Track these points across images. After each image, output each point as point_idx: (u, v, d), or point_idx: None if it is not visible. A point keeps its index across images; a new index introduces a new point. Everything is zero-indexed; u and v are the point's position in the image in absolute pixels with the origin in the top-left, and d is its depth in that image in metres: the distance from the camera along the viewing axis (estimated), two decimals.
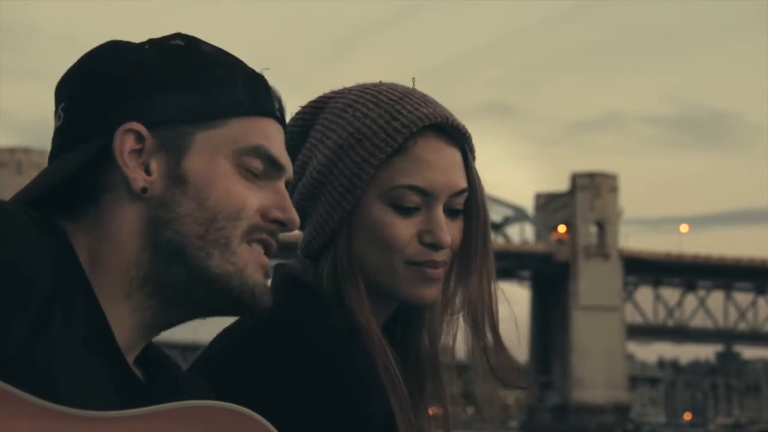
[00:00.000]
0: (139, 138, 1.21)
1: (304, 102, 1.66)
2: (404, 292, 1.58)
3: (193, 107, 1.22)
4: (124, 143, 1.21)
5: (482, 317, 1.61)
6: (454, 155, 1.59)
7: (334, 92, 1.64)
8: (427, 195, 1.56)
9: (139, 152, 1.21)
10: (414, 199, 1.56)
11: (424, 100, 1.60)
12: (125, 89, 1.22)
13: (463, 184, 1.59)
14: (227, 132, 1.23)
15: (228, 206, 1.22)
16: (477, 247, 1.61)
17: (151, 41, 1.27)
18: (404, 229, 1.56)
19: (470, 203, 1.61)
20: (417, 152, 1.56)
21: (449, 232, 1.58)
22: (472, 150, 1.62)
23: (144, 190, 1.20)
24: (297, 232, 1.65)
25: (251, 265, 1.24)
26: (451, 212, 1.59)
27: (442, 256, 1.58)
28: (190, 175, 1.21)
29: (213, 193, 1.21)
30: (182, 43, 1.26)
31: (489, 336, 1.62)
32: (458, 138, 1.60)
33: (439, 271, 1.58)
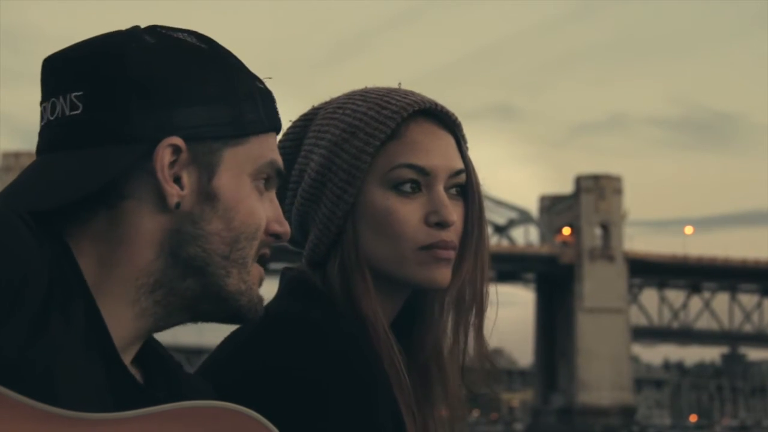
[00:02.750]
0: (175, 151, 1.20)
1: (305, 104, 1.69)
2: (416, 277, 1.58)
3: (225, 124, 1.22)
4: (165, 157, 1.19)
5: (470, 303, 1.62)
6: (448, 139, 1.61)
7: (322, 103, 1.68)
8: (426, 174, 1.58)
9: (171, 164, 1.20)
10: (414, 178, 1.58)
11: (411, 92, 1.63)
12: (164, 96, 1.19)
13: (460, 165, 1.61)
14: (249, 150, 1.24)
15: (250, 226, 1.23)
16: (473, 231, 1.62)
17: (173, 37, 1.24)
18: (409, 213, 1.57)
19: (465, 189, 1.63)
20: (411, 136, 1.58)
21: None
22: (464, 138, 1.65)
23: (177, 205, 1.19)
24: None
25: (256, 281, 1.26)
26: (451, 194, 1.61)
27: (450, 235, 1.58)
28: (221, 193, 1.21)
29: (239, 213, 1.22)
30: (206, 47, 1.24)
31: (473, 324, 1.62)
32: (450, 125, 1.62)
33: (450, 252, 1.58)
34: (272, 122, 1.28)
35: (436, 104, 1.61)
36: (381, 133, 1.57)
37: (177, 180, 1.20)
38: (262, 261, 1.28)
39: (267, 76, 1.31)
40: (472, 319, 1.63)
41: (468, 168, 1.62)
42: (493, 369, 1.68)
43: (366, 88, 1.66)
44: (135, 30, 1.25)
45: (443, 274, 1.58)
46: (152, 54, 1.21)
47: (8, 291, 1.04)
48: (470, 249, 1.61)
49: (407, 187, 1.57)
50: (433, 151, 1.59)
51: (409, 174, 1.57)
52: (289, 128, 1.68)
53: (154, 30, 1.25)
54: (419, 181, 1.58)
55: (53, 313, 1.09)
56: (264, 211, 1.25)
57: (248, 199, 1.23)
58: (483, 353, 1.64)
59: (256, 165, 1.24)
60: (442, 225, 1.57)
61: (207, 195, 1.21)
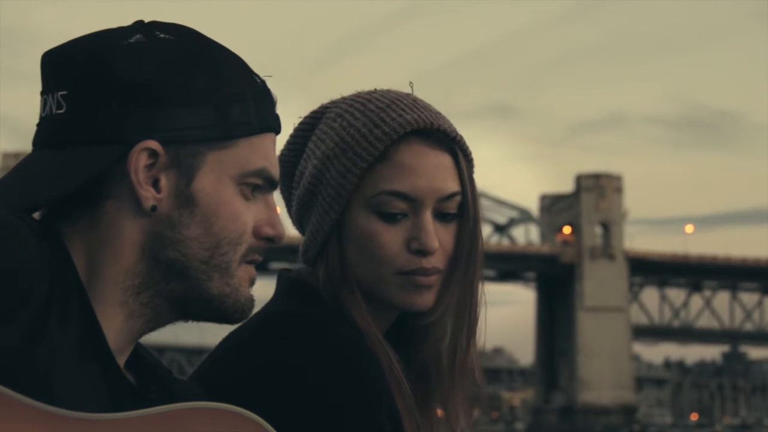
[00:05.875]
0: (153, 154, 1.19)
1: (302, 105, 1.68)
2: (396, 300, 1.57)
3: (209, 126, 1.20)
4: (140, 161, 1.18)
5: (460, 323, 1.60)
6: (441, 160, 1.56)
7: (331, 102, 1.65)
8: (411, 200, 1.55)
9: (149, 166, 1.19)
10: (398, 205, 1.55)
11: (414, 105, 1.58)
12: (146, 98, 1.19)
13: (452, 188, 1.57)
14: (235, 153, 1.22)
15: (232, 231, 1.22)
16: (462, 254, 1.58)
17: (156, 35, 1.22)
18: (391, 237, 1.55)
19: (461, 207, 1.59)
20: (400, 159, 1.55)
21: (440, 237, 1.56)
22: (465, 153, 1.60)
23: (153, 208, 1.19)
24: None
25: (244, 283, 1.25)
26: (443, 217, 1.58)
27: (432, 262, 1.56)
28: (199, 197, 1.20)
29: (220, 219, 1.21)
30: (196, 46, 1.23)
31: (463, 343, 1.61)
32: (447, 142, 1.57)
33: (431, 278, 1.56)
34: (264, 123, 1.25)
35: (432, 123, 1.56)
36: (369, 155, 1.54)
37: (156, 183, 1.19)
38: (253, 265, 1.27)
39: (267, 74, 1.29)
40: (463, 338, 1.61)
41: (464, 188, 1.58)
42: (480, 389, 1.66)
43: (374, 92, 1.62)
44: (124, 29, 1.23)
45: (424, 299, 1.56)
46: (136, 55, 1.20)
47: (14, 297, 1.04)
48: (459, 271, 1.58)
49: (391, 213, 1.55)
50: (422, 174, 1.55)
51: (393, 201, 1.54)
52: (298, 125, 1.66)
53: (146, 28, 1.23)
54: (404, 206, 1.55)
55: (51, 316, 1.09)
56: (251, 216, 1.24)
57: (231, 203, 1.22)
58: (473, 369, 1.63)
59: (242, 170, 1.23)
60: (423, 253, 1.55)
61: (185, 199, 1.20)
